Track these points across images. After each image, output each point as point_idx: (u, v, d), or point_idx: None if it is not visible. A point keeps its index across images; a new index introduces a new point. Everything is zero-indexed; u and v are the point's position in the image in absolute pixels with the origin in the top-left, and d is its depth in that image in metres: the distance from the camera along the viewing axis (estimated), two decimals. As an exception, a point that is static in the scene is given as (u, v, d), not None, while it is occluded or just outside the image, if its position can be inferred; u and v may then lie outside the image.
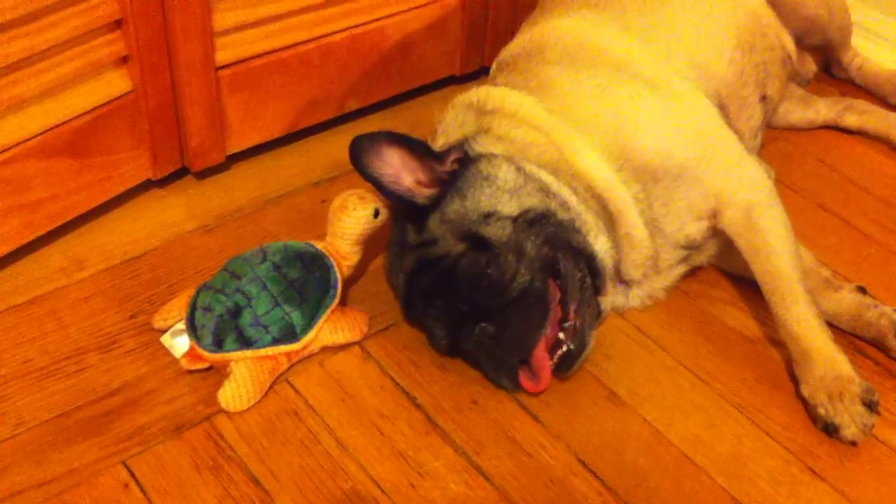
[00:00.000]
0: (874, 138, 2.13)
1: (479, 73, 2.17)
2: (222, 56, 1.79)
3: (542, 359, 1.48)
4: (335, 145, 2.00)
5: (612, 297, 1.63)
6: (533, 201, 1.53)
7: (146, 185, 1.86)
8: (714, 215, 1.61)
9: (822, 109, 2.14)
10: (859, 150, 2.12)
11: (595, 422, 1.51)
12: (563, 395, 1.54)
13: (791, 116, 2.13)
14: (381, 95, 2.08)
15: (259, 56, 1.84)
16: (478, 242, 1.49)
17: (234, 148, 1.90)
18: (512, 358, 1.49)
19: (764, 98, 1.85)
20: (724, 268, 1.78)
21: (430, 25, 2.05)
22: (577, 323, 1.51)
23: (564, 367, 1.52)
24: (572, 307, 1.51)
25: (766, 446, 1.49)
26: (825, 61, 2.28)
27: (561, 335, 1.50)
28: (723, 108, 1.72)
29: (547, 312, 1.48)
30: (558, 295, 1.51)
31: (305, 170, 1.97)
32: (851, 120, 2.14)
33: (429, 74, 2.13)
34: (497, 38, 2.07)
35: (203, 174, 1.92)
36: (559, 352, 1.50)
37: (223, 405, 1.48)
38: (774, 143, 2.10)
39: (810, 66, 2.19)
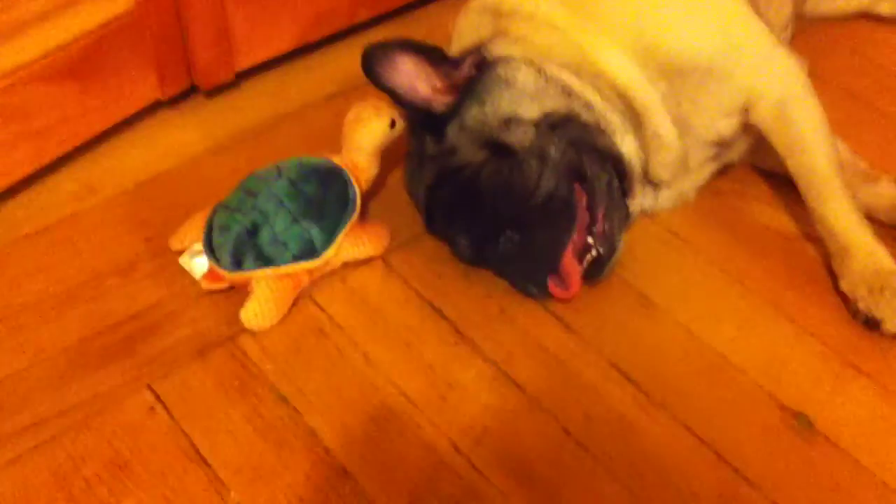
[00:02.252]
0: (908, 25, 2.05)
1: (493, -23, 2.08)
2: (226, -33, 1.72)
3: (571, 264, 1.44)
4: (347, 57, 1.93)
5: (640, 200, 1.59)
6: (555, 104, 1.47)
7: (156, 107, 1.81)
8: (745, 110, 1.54)
9: (854, -2, 2.05)
10: (893, 38, 2.03)
11: (627, 327, 1.47)
12: (594, 301, 1.50)
13: (821, 6, 2.04)
14: (393, 3, 2.00)
15: (264, -34, 1.77)
16: (499, 149, 1.44)
17: (242, 64, 1.85)
18: (540, 265, 1.45)
19: (794, -15, 1.77)
20: (756, 164, 1.72)
21: (441, -73, 1.97)
22: (606, 227, 1.46)
23: (594, 272, 1.48)
24: (600, 211, 1.46)
25: (805, 344, 1.45)
26: (854, -53, 2.18)
27: (589, 240, 1.46)
28: (751, -1, 1.64)
29: (573, 217, 1.44)
30: (585, 199, 1.46)
31: (318, 84, 1.91)
32: (886, 7, 2.05)
33: (442, -21, 2.05)
34: (511, -63, 1.98)
35: (213, 93, 1.86)
36: (588, 257, 1.46)
37: (246, 324, 1.44)
38: (803, 34, 2.01)
39: (838, -47, 2.10)
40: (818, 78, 1.86)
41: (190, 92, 1.84)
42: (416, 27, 2.01)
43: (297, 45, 1.90)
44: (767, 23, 1.65)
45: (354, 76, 1.79)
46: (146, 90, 1.76)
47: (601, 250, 1.47)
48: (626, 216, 1.55)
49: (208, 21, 1.74)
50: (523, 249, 1.44)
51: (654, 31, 1.50)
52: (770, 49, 1.55)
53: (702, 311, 1.49)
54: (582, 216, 1.46)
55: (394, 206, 1.65)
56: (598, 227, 1.46)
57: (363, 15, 1.97)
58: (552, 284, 1.46)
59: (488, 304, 1.50)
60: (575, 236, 1.44)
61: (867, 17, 2.08)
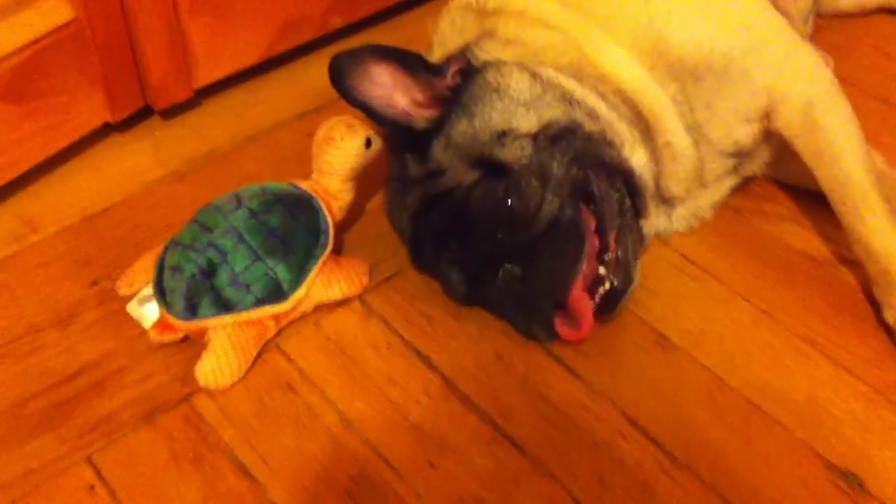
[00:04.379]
0: (937, 19, 1.90)
1: (479, -23, 1.91)
2: (178, -28, 1.55)
3: (582, 300, 1.27)
4: (320, 71, 1.69)
5: (654, 221, 1.43)
6: (554, 112, 1.31)
7: (105, 131, 1.65)
8: (767, 115, 1.40)
9: (875, -10, 1.89)
10: None
11: (643, 372, 1.30)
12: (603, 343, 1.32)
13: (840, 2, 1.90)
14: (368, 9, 1.84)
15: (222, -31, 1.60)
16: (493, 168, 1.29)
17: (202, 81, 1.68)
18: (545, 302, 1.28)
19: (813, -24, 1.61)
20: (780, 178, 1.56)
21: (420, -78, 1.80)
22: (620, 253, 1.30)
23: (609, 307, 1.31)
24: (612, 235, 1.30)
25: (848, 386, 1.28)
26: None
27: (601, 270, 1.29)
28: (767, -11, 1.48)
29: (582, 244, 1.27)
30: (593, 222, 1.30)
31: (287, 101, 1.74)
32: None
33: (421, -18, 1.89)
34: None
35: (170, 113, 1.70)
36: (601, 289, 1.29)
37: (202, 382, 1.26)
38: (822, 32, 1.85)
39: (855, -58, 1.94)
40: (840, 80, 1.71)
41: (144, 113, 1.67)
42: (395, 35, 1.84)
43: (263, 57, 1.74)
44: (786, 15, 1.54)
45: (329, 91, 1.61)
46: (93, 112, 1.58)
47: (615, 281, 1.30)
48: (641, 240, 1.39)
49: (161, 32, 1.57)
50: (525, 284, 1.28)
51: (662, 27, 1.36)
52: (792, 45, 1.42)
53: (728, 350, 1.32)
54: (591, 242, 1.29)
55: (373, 238, 1.48)
56: (612, 255, 1.30)
57: (337, 23, 1.80)
58: (560, 324, 1.29)
59: (483, 348, 1.32)
60: (584, 266, 1.27)
61: (890, 12, 1.93)
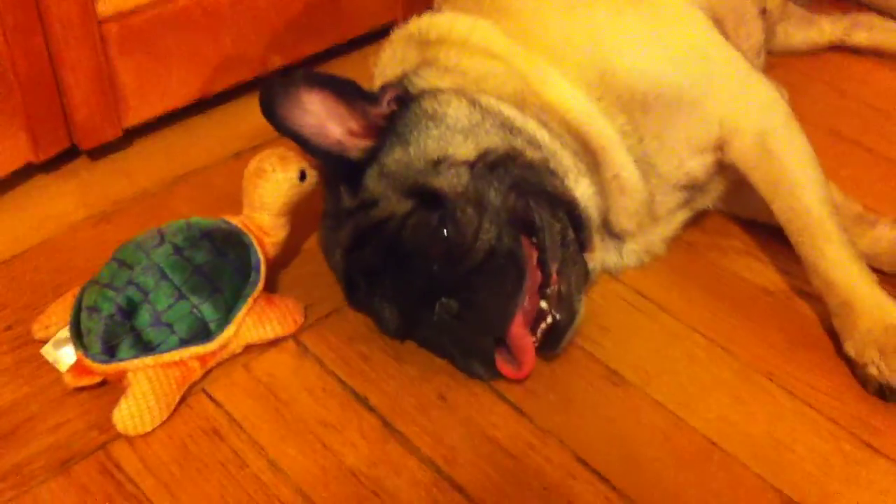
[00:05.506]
0: (888, 56, 1.89)
1: (424, 19, 1.88)
2: (106, 7, 1.51)
3: (523, 336, 1.21)
4: (258, 111, 1.68)
5: (602, 255, 1.38)
6: (493, 140, 1.26)
7: (29, 171, 1.57)
8: (720, 146, 1.36)
9: (827, 28, 1.92)
10: (872, 70, 1.88)
11: (594, 410, 1.23)
12: (552, 380, 1.26)
13: (792, 39, 1.89)
14: (309, 49, 1.79)
15: (153, 5, 1.55)
16: (427, 197, 1.23)
17: (132, 120, 1.62)
18: (484, 338, 1.22)
19: (764, 11, 1.59)
20: (734, 212, 1.52)
21: (363, -39, 1.77)
22: (562, 287, 1.24)
23: (551, 343, 1.25)
24: (554, 267, 1.24)
25: (809, 421, 1.23)
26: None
27: (543, 304, 1.23)
28: (718, 24, 1.47)
29: (522, 276, 1.21)
30: (535, 254, 1.24)
31: (222, 141, 1.69)
32: (861, 37, 1.91)
33: (366, 22, 1.85)
34: (443, -27, 1.78)
35: (97, 153, 1.63)
36: (543, 325, 1.23)
37: (120, 428, 1.18)
38: (775, 70, 1.82)
39: (807, -19, 1.93)
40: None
41: (70, 153, 1.60)
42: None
43: (198, 97, 1.68)
44: (738, 50, 1.46)
45: (267, 131, 1.56)
46: (15, 151, 1.51)
47: (558, 316, 1.24)
48: (586, 274, 1.33)
49: (88, 68, 1.51)
50: (463, 319, 1.21)
51: (610, 56, 1.32)
52: (745, 75, 1.39)
53: (682, 386, 1.26)
54: (532, 275, 1.23)
55: (310, 277, 1.42)
56: (553, 288, 1.24)
57: (277, 62, 1.75)
58: (500, 362, 1.23)
59: (424, 388, 1.25)
60: (525, 300, 1.21)
61: (841, 48, 1.92)
